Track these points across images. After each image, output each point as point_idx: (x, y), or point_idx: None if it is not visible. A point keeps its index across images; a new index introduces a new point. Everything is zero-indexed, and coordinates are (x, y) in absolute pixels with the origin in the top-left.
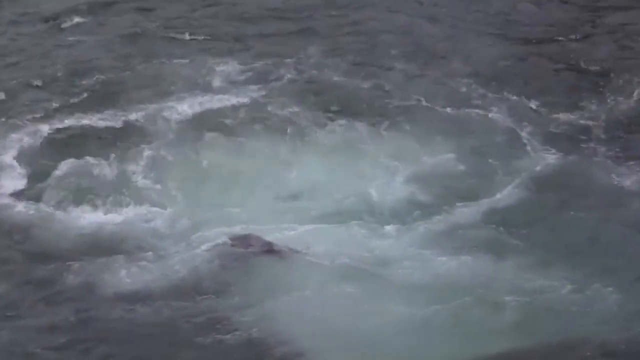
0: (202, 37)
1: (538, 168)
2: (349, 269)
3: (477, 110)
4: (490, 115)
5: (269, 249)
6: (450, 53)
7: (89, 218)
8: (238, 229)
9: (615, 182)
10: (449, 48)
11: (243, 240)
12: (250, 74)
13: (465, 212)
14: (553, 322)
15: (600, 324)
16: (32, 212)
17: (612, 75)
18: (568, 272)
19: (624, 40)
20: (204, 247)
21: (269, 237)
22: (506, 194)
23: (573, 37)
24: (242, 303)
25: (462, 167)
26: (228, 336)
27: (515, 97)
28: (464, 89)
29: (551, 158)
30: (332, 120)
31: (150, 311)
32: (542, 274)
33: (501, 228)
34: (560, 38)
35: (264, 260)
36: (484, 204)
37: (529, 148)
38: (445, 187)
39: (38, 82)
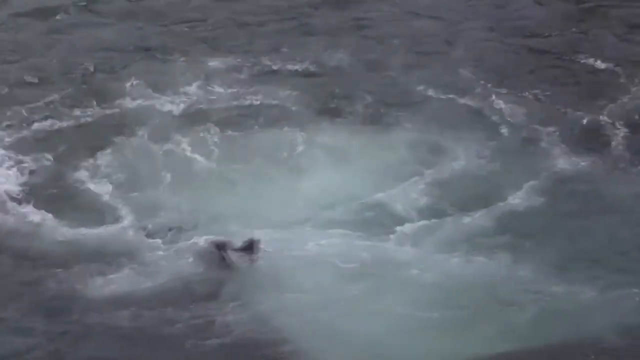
0: (199, 31)
1: (554, 169)
2: (355, 271)
3: (488, 109)
4: (502, 114)
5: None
6: (454, 50)
7: (73, 221)
8: (234, 233)
9: (634, 185)
10: (452, 45)
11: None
12: (249, 68)
13: (480, 215)
14: (567, 325)
15: (616, 328)
16: (16, 215)
17: (621, 71)
18: (584, 276)
19: (628, 34)
20: (191, 251)
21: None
22: (522, 196)
23: (575, 30)
24: (230, 307)
25: (475, 168)
26: (213, 340)
27: (527, 95)
28: (471, 86)
29: (568, 159)
30: (336, 117)
31: (134, 316)
32: (558, 277)
33: (516, 231)
34: (564, 32)
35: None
36: (499, 206)
37: (544, 149)
38: (458, 189)
39: (30, 78)
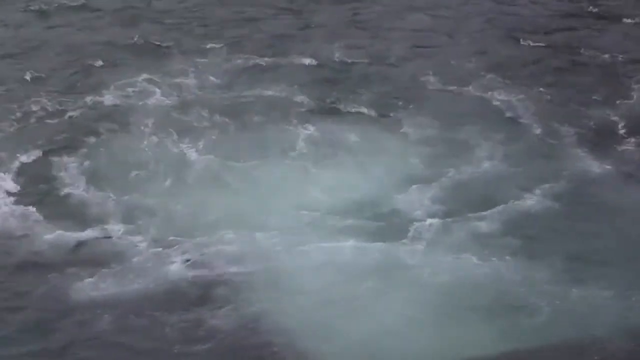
0: (196, 26)
1: (567, 172)
2: (362, 272)
3: (496, 106)
4: (513, 112)
5: None
6: (456, 45)
7: (61, 224)
8: (223, 238)
9: None
10: (454, 40)
11: None
12: (248, 63)
13: (492, 217)
14: (577, 327)
15: (624, 331)
16: (2, 217)
17: (627, 68)
18: (596, 279)
19: (631, 30)
20: (183, 255)
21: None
22: (535, 199)
23: (576, 26)
24: (222, 311)
25: (487, 169)
26: (203, 344)
27: (535, 93)
28: (477, 83)
29: (581, 161)
30: (340, 112)
31: (124, 320)
32: (569, 280)
33: (528, 233)
34: (565, 28)
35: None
36: (512, 208)
37: (557, 150)
38: (469, 190)
39: (25, 75)
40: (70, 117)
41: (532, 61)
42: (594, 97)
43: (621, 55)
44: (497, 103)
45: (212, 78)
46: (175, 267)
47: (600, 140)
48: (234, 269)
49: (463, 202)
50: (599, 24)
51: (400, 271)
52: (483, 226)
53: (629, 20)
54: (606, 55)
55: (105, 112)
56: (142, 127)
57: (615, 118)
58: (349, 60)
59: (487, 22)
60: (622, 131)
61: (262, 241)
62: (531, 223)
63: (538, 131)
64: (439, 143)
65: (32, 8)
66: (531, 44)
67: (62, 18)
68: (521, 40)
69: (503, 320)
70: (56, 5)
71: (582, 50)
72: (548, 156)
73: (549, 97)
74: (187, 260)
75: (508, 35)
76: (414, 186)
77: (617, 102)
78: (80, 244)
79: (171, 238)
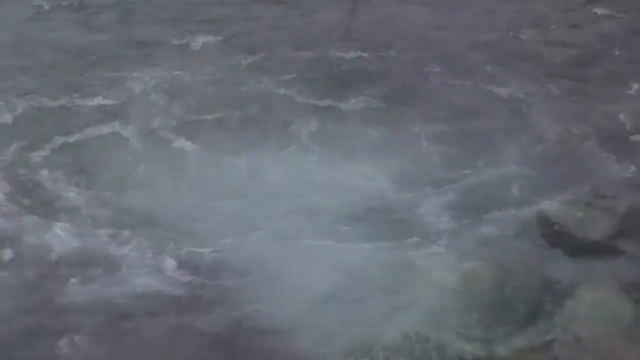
0: (194, 21)
1: (586, 172)
2: (368, 276)
3: (505, 103)
4: (524, 110)
5: None
6: (460, 42)
7: (51, 225)
8: (221, 239)
9: None
10: (458, 37)
11: None
12: (245, 58)
13: (505, 219)
14: (590, 329)
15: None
16: None
17: (631, 64)
18: (611, 281)
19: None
20: (176, 258)
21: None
22: (550, 200)
23: (579, 21)
24: (215, 313)
25: (501, 169)
26: (195, 347)
27: (542, 87)
28: (482, 79)
29: (600, 161)
30: (343, 107)
31: (115, 323)
32: (583, 282)
33: (539, 238)
34: (566, 23)
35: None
36: (526, 210)
37: (570, 149)
38: (480, 192)
39: (20, 71)
40: (63, 114)
41: (534, 55)
42: (601, 95)
43: (624, 51)
44: (505, 98)
45: (209, 74)
46: (169, 269)
47: (612, 140)
48: (230, 271)
49: (474, 203)
50: (599, 20)
51: (407, 273)
52: (494, 229)
53: (629, 16)
54: (609, 51)
55: (100, 109)
56: (138, 125)
57: (622, 116)
58: (350, 54)
59: (488, 16)
60: (633, 130)
61: (261, 242)
62: (543, 225)
63: (551, 129)
64: (448, 140)
65: (29, 5)
66: (532, 38)
67: (59, 14)
68: (522, 35)
69: (511, 323)
70: (53, 2)
71: (583, 46)
72: (561, 156)
73: (556, 93)
74: (181, 262)
75: (509, 29)
76: (424, 186)
77: (624, 99)
78: (70, 246)
79: (165, 239)
